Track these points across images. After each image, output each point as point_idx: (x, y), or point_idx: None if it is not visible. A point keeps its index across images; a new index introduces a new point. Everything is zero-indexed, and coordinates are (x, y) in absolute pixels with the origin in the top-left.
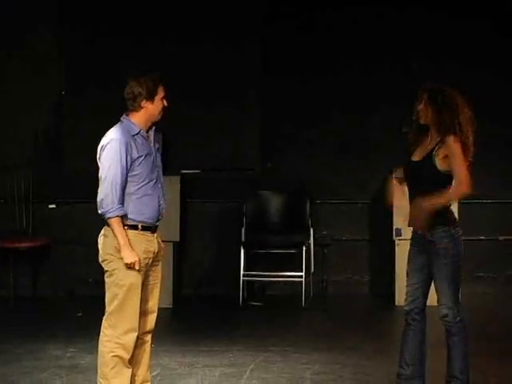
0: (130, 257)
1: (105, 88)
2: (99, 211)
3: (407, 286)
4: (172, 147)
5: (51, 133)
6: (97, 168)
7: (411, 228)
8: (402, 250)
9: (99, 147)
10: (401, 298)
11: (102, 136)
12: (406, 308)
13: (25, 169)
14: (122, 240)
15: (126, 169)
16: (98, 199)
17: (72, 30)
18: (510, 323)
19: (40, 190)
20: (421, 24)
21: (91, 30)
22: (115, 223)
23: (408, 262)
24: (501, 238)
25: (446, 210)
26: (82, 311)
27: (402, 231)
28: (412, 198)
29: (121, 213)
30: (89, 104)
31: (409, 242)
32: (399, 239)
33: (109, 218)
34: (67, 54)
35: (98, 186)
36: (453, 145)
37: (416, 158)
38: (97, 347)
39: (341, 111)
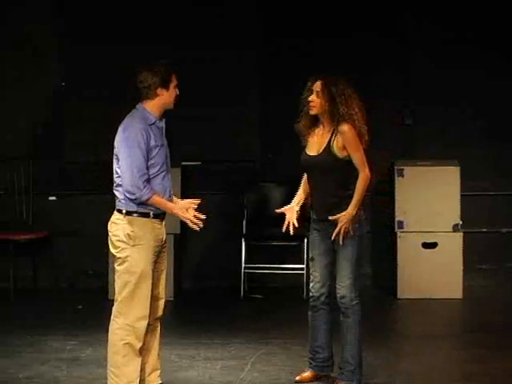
0: (183, 211)
1: (105, 79)
2: (132, 197)
3: (313, 271)
4: (173, 139)
5: (51, 124)
6: (97, 160)
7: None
8: (405, 243)
9: (117, 137)
10: (403, 290)
11: (102, 127)
12: (314, 294)
13: (25, 160)
14: (168, 209)
15: (145, 154)
16: (126, 189)
17: (72, 22)
18: (511, 315)
19: (40, 181)
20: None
21: (91, 24)
22: (154, 202)
23: (311, 248)
24: (503, 230)
25: (349, 196)
26: (82, 303)
27: (405, 223)
28: (316, 188)
29: (152, 193)
30: (89, 95)
31: (412, 234)
32: (401, 231)
33: (144, 201)
34: (67, 45)
35: (98, 177)
36: (348, 133)
37: (313, 151)
38: (97, 340)
39: None
